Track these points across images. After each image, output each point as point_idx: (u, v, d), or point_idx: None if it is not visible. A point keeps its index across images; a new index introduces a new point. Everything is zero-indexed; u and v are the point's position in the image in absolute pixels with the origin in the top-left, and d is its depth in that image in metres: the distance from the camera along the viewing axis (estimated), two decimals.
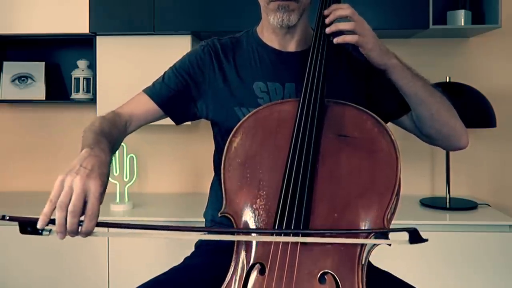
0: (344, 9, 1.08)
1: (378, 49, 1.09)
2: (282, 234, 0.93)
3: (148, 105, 1.24)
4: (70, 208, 0.83)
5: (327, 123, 1.03)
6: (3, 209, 2.13)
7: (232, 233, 0.98)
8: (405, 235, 0.87)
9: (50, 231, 0.85)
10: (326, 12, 1.10)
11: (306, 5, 1.18)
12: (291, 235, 0.93)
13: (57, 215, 0.83)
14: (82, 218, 0.84)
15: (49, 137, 2.49)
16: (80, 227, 0.84)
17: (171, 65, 1.29)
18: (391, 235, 0.92)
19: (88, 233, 0.85)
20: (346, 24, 1.07)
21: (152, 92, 1.25)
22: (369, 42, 1.07)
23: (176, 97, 1.24)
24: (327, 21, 1.09)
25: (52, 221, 0.84)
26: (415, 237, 0.87)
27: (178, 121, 1.30)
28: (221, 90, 1.23)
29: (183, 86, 1.24)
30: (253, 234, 0.98)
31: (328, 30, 1.08)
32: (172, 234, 0.99)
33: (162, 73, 1.29)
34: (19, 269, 2.03)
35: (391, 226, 0.96)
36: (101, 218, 2.28)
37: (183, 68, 1.26)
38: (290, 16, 1.15)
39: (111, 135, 1.07)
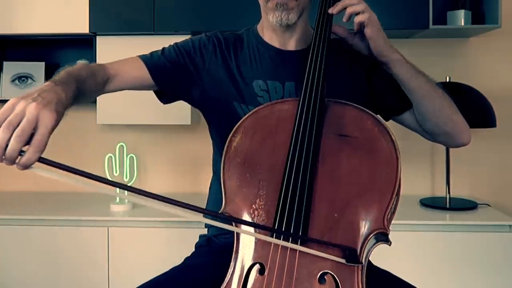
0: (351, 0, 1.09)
1: (383, 38, 1.10)
2: (282, 237, 0.93)
3: (140, 71, 1.21)
4: (17, 132, 0.74)
5: (327, 122, 1.03)
6: (3, 209, 2.13)
7: (230, 223, 0.98)
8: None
9: None
10: (333, 11, 1.11)
11: (305, 3, 1.18)
12: (290, 238, 0.93)
13: None
14: (24, 148, 0.75)
15: None
16: (20, 157, 0.75)
17: (172, 43, 1.27)
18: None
19: (27, 166, 0.75)
20: (356, 7, 1.08)
21: (149, 60, 1.22)
22: (375, 24, 1.08)
23: (171, 73, 1.22)
24: (334, 11, 1.11)
25: None
26: (352, 257, 0.91)
27: (167, 98, 1.28)
28: (223, 81, 1.22)
29: (181, 65, 1.23)
30: (253, 230, 0.98)
31: (332, 10, 1.10)
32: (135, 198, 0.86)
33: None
34: (19, 268, 2.03)
35: (391, 226, 0.96)
36: (100, 218, 2.26)
37: (185, 48, 1.25)
38: (288, 15, 1.15)
39: (84, 84, 1.00)
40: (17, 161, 0.75)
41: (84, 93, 1.01)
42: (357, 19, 1.08)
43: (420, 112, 1.17)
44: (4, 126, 0.74)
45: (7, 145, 0.74)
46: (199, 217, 0.91)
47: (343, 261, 0.91)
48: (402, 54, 1.14)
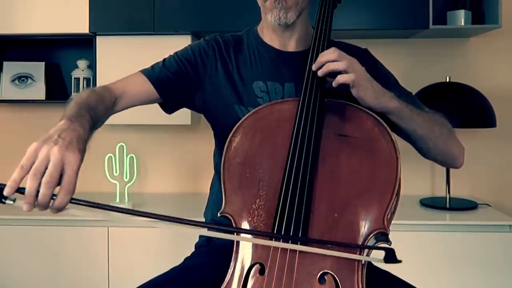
0: (330, 54, 1.01)
1: (373, 95, 1.02)
2: (281, 240, 0.93)
3: (144, 86, 1.21)
4: (45, 178, 0.75)
5: (327, 122, 1.03)
6: (3, 209, 2.13)
7: (232, 232, 0.98)
8: (382, 253, 0.90)
9: (14, 200, 0.77)
10: (314, 68, 1.04)
11: (305, 3, 1.18)
12: (290, 239, 0.93)
13: (29, 184, 0.76)
14: (55, 191, 0.77)
15: None
16: (52, 201, 0.77)
17: (172, 53, 1.28)
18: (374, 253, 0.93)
19: (61, 209, 0.78)
20: (339, 64, 0.99)
21: (151, 74, 1.23)
22: (361, 83, 1.00)
23: (174, 83, 1.23)
24: (319, 72, 1.03)
25: (20, 190, 0.76)
26: (390, 256, 0.90)
27: (171, 108, 1.29)
28: (223, 86, 1.22)
29: (183, 74, 1.23)
30: (251, 236, 0.98)
31: (319, 73, 1.02)
32: (157, 224, 0.86)
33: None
34: (19, 268, 2.03)
35: (391, 226, 0.96)
36: (100, 218, 2.27)
37: (185, 57, 1.25)
38: (287, 14, 1.15)
39: (96, 111, 1.02)
40: (50, 205, 0.77)
41: (97, 120, 1.03)
42: (340, 79, 0.99)
43: (415, 147, 1.17)
44: (31, 174, 0.76)
45: (38, 191, 0.76)
46: (201, 230, 0.92)
47: (381, 261, 0.90)
48: (398, 99, 1.06)
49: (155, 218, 0.83)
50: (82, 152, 0.82)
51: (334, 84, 1.01)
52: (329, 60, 1.00)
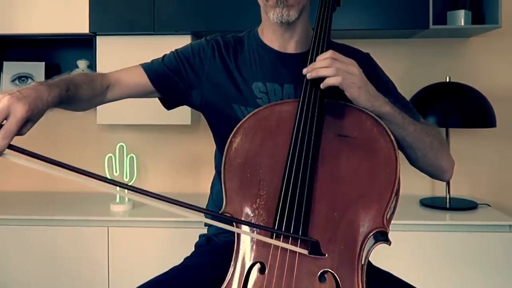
0: (322, 60, 1.02)
1: (367, 93, 1.03)
2: (281, 237, 0.93)
3: (141, 78, 1.23)
4: None
5: (327, 123, 1.04)
6: (3, 209, 2.13)
7: (231, 223, 0.98)
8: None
9: None
10: (305, 70, 1.06)
11: (305, 2, 1.18)
12: (290, 235, 0.93)
13: None
14: None
15: (48, 137, 2.49)
16: None
17: (173, 50, 1.29)
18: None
19: None
20: (327, 70, 1.00)
21: (149, 67, 1.25)
22: (354, 86, 1.01)
23: (171, 79, 1.24)
24: (308, 76, 1.04)
25: None
26: (315, 249, 0.92)
27: (170, 105, 1.31)
28: (222, 85, 1.23)
29: (181, 72, 1.25)
30: (249, 230, 0.98)
31: (308, 76, 1.04)
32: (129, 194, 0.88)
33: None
34: (19, 268, 2.03)
35: (391, 226, 0.97)
36: (100, 218, 2.25)
37: (184, 54, 1.26)
38: (289, 11, 1.15)
39: (79, 88, 1.04)
40: None
41: (78, 97, 1.04)
42: (328, 81, 1.01)
43: (404, 155, 1.16)
44: None
45: None
46: (200, 217, 0.92)
47: (305, 252, 0.92)
48: (391, 105, 1.06)
49: (110, 183, 0.86)
50: (36, 109, 0.85)
51: (322, 86, 1.02)
52: (320, 66, 1.01)
